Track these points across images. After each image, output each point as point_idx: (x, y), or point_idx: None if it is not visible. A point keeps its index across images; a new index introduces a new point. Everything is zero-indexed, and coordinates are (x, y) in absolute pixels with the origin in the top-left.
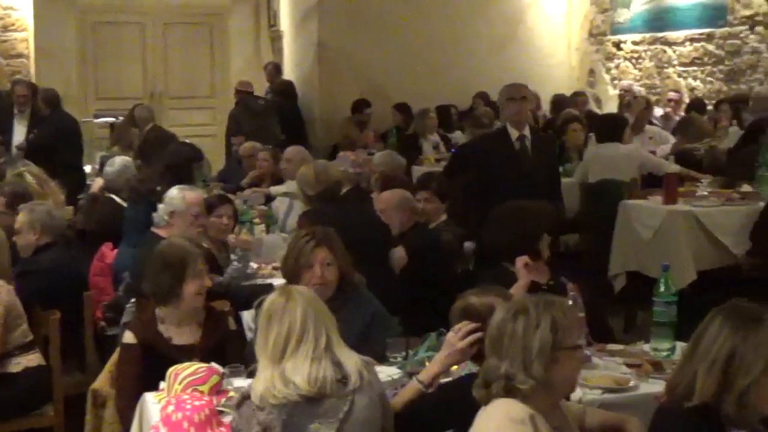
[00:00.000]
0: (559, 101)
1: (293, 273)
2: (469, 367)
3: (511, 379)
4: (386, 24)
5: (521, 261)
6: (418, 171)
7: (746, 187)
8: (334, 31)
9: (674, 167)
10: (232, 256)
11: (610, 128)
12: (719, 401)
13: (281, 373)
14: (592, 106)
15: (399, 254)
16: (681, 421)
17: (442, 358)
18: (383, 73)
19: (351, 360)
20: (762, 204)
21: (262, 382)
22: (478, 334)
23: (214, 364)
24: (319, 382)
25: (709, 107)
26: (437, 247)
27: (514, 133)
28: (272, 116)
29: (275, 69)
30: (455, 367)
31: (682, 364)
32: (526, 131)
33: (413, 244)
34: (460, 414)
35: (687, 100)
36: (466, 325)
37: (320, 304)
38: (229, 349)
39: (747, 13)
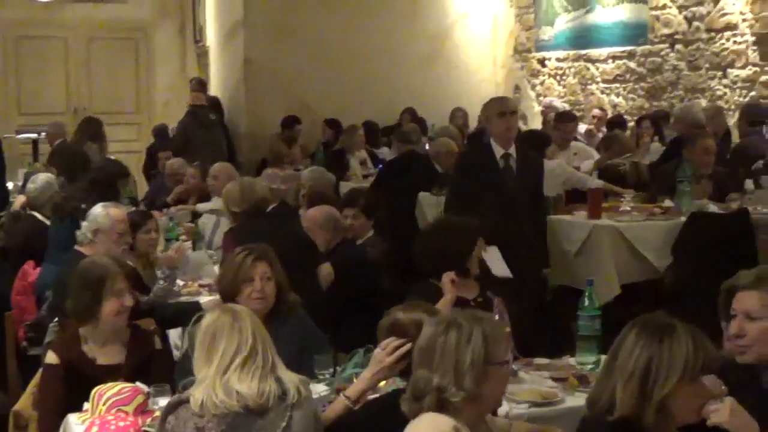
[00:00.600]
0: None
1: (232, 288)
2: (397, 383)
3: (443, 391)
4: (313, 40)
5: (448, 277)
6: (345, 187)
7: (668, 202)
8: (260, 47)
9: (598, 182)
10: (159, 274)
11: (535, 145)
12: (639, 413)
13: (225, 384)
14: (518, 123)
15: (326, 271)
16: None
17: (369, 374)
18: (310, 89)
19: (289, 376)
20: (683, 219)
21: (203, 391)
22: (406, 348)
23: (139, 384)
24: (265, 396)
25: (631, 123)
26: (364, 263)
27: (499, 151)
28: (220, 131)
29: (199, 84)
30: (383, 383)
31: (601, 378)
32: (512, 149)
33: (340, 260)
34: (387, 430)
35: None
36: (393, 341)
37: (261, 324)
38: (155, 369)
39: (667, 31)
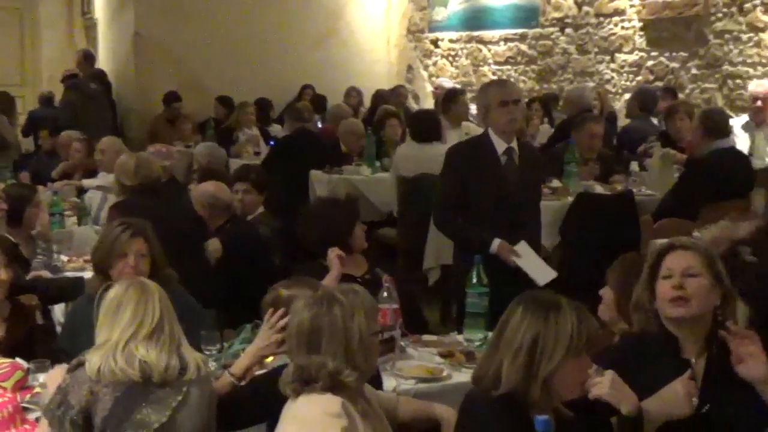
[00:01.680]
0: (380, 96)
1: (105, 261)
2: (284, 359)
3: (338, 374)
4: (206, 15)
5: (333, 252)
6: (236, 164)
7: (556, 183)
8: (151, 21)
9: None
10: (38, 249)
11: (429, 128)
12: (525, 388)
13: (128, 352)
14: (410, 102)
15: (214, 246)
16: (488, 409)
17: (254, 350)
18: (203, 65)
19: (191, 353)
20: (570, 199)
21: (101, 357)
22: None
23: (18, 360)
24: (169, 370)
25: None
26: (254, 239)
27: (500, 145)
28: (105, 101)
29: (85, 57)
30: (270, 358)
31: (488, 354)
32: (514, 143)
33: (230, 236)
34: (274, 406)
35: None
36: (279, 318)
37: (168, 300)
38: (36, 344)
39: (557, 15)
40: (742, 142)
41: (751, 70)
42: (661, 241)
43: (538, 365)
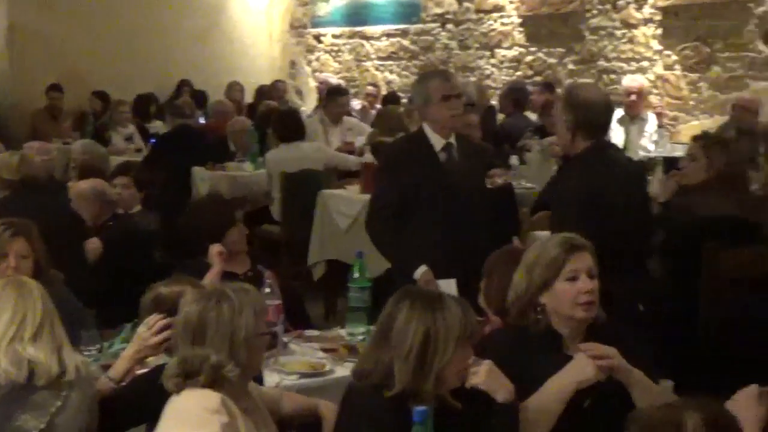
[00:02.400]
0: (263, 92)
1: None
2: (165, 358)
3: (220, 368)
4: (84, 8)
5: (215, 249)
6: (116, 161)
7: None
8: (26, 13)
9: (369, 158)
10: None
11: (293, 127)
12: (419, 385)
13: (12, 353)
14: (294, 98)
15: (93, 245)
16: (372, 404)
17: (132, 353)
18: (83, 58)
19: (71, 356)
20: None
21: None
22: (170, 330)
23: None
24: (52, 372)
25: (404, 100)
26: (134, 236)
27: (438, 141)
28: None
29: None
30: (151, 358)
31: (372, 351)
32: (452, 138)
33: (110, 234)
34: (155, 406)
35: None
36: (157, 319)
37: (49, 298)
38: None
39: (438, 11)
40: (616, 135)
41: (625, 65)
42: (543, 234)
43: (431, 362)
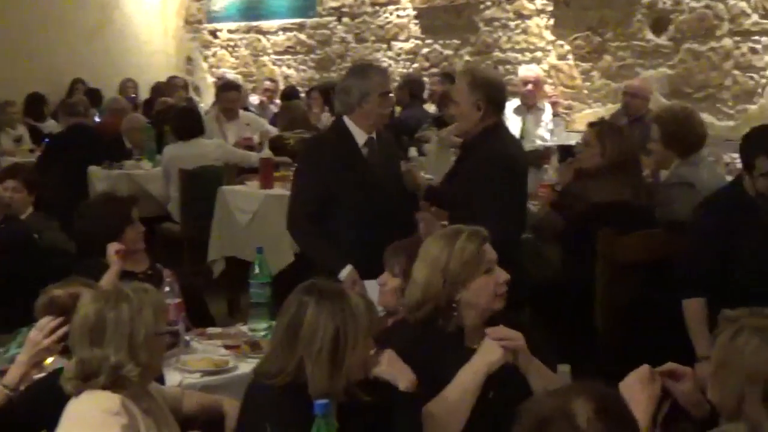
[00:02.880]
0: (159, 89)
1: None
2: (64, 361)
3: (119, 368)
4: None
5: (112, 248)
6: (7, 161)
7: None
8: None
9: (268, 153)
10: None
11: (191, 124)
12: (333, 381)
13: None
14: (192, 94)
15: None
16: (274, 399)
17: (25, 358)
18: None
19: None
20: None
21: None
22: (65, 329)
23: None
24: None
25: (303, 95)
26: (28, 239)
27: (361, 136)
28: None
29: None
30: (48, 361)
31: (280, 350)
32: (374, 133)
33: (3, 236)
34: (52, 412)
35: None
36: (49, 321)
37: None
38: None
39: (334, 4)
40: (513, 125)
41: (519, 56)
42: (456, 227)
43: (342, 358)
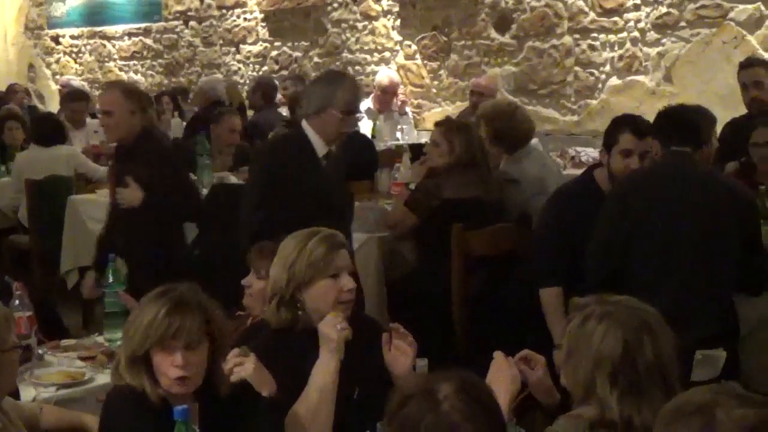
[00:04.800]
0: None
1: None
2: None
3: None
4: None
5: None
6: None
7: (192, 176)
8: None
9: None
10: None
11: (52, 130)
12: (138, 381)
13: None
14: (36, 102)
15: None
16: (132, 408)
17: None
18: None
19: None
20: (204, 191)
21: None
22: None
23: None
24: None
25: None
26: None
27: (321, 146)
28: None
29: None
30: None
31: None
32: (334, 146)
33: None
34: None
35: None
36: None
37: None
38: None
39: (180, 8)
40: (365, 125)
41: (368, 57)
42: (314, 229)
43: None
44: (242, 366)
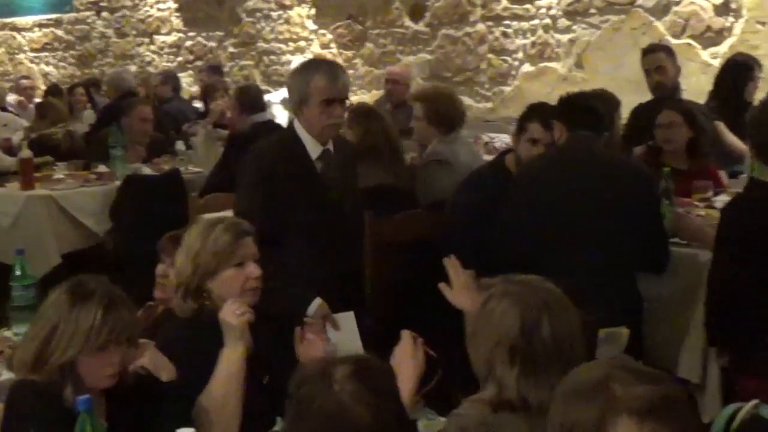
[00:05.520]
0: None
1: None
2: None
3: None
4: None
5: None
6: None
7: (102, 168)
8: None
9: (27, 153)
10: None
11: None
12: (41, 373)
13: None
14: None
15: None
16: (35, 399)
17: None
18: None
19: None
20: (118, 182)
21: None
22: None
23: None
24: None
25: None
26: None
27: (315, 148)
28: None
29: None
30: None
31: (25, 337)
32: (330, 144)
33: None
34: None
35: (42, 85)
36: None
37: None
38: None
39: None
40: (280, 115)
41: (283, 46)
42: (211, 216)
43: (50, 354)
44: (141, 354)
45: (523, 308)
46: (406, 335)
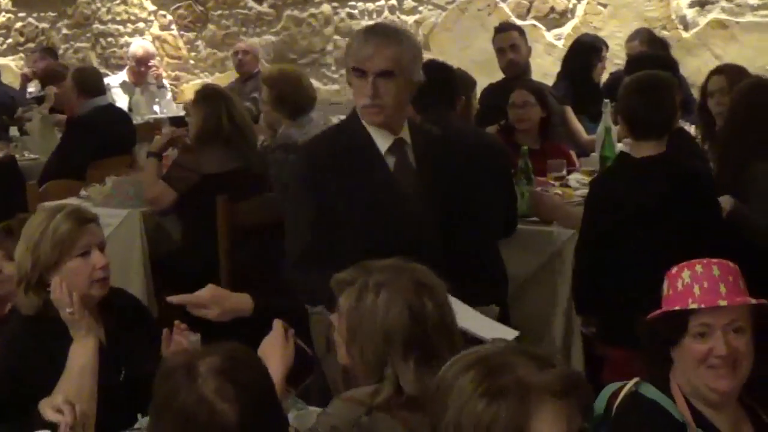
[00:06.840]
0: None
1: None
2: None
3: None
4: None
5: None
6: None
7: None
8: None
9: None
10: None
11: None
12: None
13: None
14: None
15: None
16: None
17: None
18: None
19: None
20: None
21: None
22: None
23: None
24: None
25: None
26: None
27: (384, 139)
28: None
29: None
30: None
31: None
32: (405, 131)
33: None
34: None
35: None
36: None
37: None
38: None
39: None
40: (120, 99)
41: (121, 28)
42: (51, 204)
43: None
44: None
45: (403, 296)
46: (278, 325)
